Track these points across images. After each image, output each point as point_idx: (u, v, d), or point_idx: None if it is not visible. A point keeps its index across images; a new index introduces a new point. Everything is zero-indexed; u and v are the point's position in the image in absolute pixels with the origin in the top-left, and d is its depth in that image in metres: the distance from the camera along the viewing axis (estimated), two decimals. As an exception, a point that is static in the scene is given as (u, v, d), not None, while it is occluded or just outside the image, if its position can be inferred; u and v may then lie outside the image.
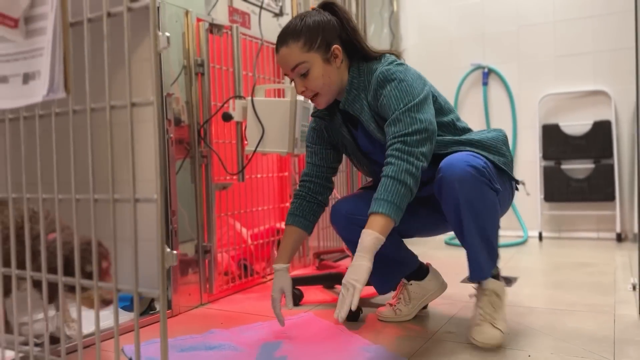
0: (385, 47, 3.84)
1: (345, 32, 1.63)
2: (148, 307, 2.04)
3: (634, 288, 2.17)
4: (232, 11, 2.33)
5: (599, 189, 3.47)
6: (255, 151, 2.10)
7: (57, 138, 0.98)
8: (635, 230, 3.16)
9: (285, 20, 2.64)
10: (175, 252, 0.85)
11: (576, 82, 3.60)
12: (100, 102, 0.89)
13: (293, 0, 2.69)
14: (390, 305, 1.86)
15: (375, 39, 3.90)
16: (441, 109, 1.64)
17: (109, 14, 0.87)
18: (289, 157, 2.68)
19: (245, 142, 2.18)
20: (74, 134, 0.95)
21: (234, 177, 2.26)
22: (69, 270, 1.09)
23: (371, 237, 1.39)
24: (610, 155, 3.47)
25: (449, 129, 1.65)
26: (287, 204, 2.73)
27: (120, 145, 1.08)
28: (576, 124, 3.59)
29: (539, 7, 3.69)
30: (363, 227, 1.44)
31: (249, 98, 2.10)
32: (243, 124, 2.19)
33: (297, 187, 1.82)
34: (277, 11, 2.58)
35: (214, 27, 2.17)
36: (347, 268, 1.43)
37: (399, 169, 1.43)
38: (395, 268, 1.80)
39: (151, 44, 0.80)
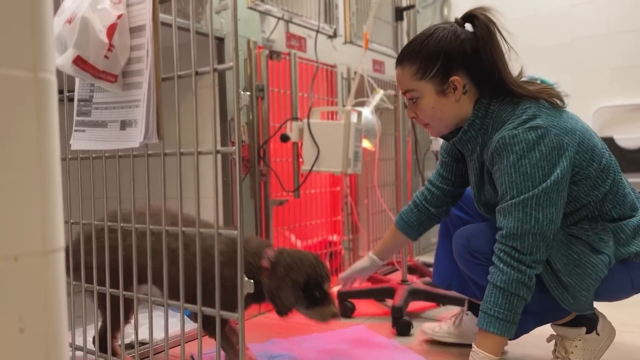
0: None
1: (479, 57, 1.37)
2: (211, 315, 2.20)
3: (689, 309, 2.14)
4: (290, 37, 2.46)
5: (655, 203, 3.40)
6: (310, 170, 2.23)
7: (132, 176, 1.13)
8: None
9: (338, 42, 2.76)
10: (252, 280, 0.97)
11: (632, 94, 3.55)
12: (189, 148, 1.03)
13: (346, 21, 2.80)
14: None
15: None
16: (589, 179, 1.33)
17: (197, 73, 1.01)
18: (342, 175, 2.79)
19: (301, 161, 2.31)
20: (158, 172, 1.09)
21: (290, 193, 2.39)
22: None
23: (480, 358, 1.31)
24: (669, 168, 3.40)
25: (584, 210, 1.38)
26: (339, 217, 2.85)
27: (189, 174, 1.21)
28: (631, 137, 3.53)
29: (594, 18, 3.65)
30: (483, 263, 1.38)
31: (305, 120, 2.22)
32: (299, 144, 2.32)
33: (418, 191, 1.73)
34: (330, 33, 2.70)
35: (273, 54, 2.30)
36: (397, 283, 1.53)
37: (509, 279, 1.28)
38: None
39: (235, 104, 0.92)
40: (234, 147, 0.96)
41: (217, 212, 1.00)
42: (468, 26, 1.43)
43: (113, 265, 1.22)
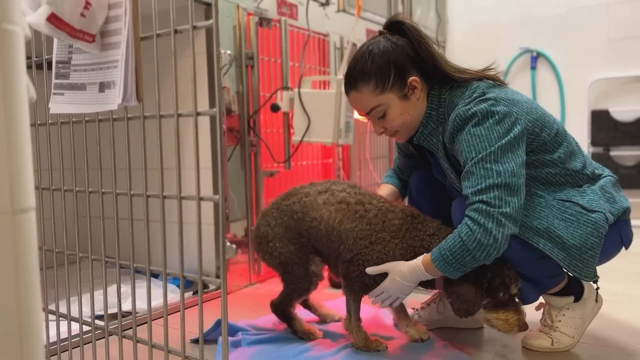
0: (431, 31, 3.83)
1: (418, 55, 1.43)
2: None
3: (679, 280, 2.15)
4: (281, 3, 2.40)
5: (649, 176, 3.40)
6: (301, 141, 2.19)
7: (112, 141, 1.09)
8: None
9: (331, 10, 2.70)
10: (234, 246, 0.95)
11: (628, 66, 3.50)
12: (169, 111, 1.00)
13: (339, -11, 2.73)
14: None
15: (421, 23, 3.88)
16: (545, 145, 1.40)
17: (176, 31, 0.97)
18: (334, 146, 2.76)
19: (292, 132, 2.28)
20: (137, 136, 1.06)
21: (281, 164, 2.36)
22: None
23: (414, 267, 1.38)
24: (662, 142, 3.38)
25: (553, 167, 1.42)
26: (332, 189, 2.83)
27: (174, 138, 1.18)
28: (627, 109, 3.50)
29: (592, -12, 3.59)
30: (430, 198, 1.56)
31: (296, 90, 2.18)
32: (290, 114, 2.28)
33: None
34: (323, 1, 2.64)
35: (263, 21, 2.25)
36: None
37: (473, 238, 1.27)
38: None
39: (215, 63, 0.89)
40: (215, 109, 0.93)
41: (197, 177, 0.97)
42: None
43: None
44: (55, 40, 1.16)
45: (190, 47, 0.95)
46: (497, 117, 1.32)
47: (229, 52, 0.72)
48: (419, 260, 1.38)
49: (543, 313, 1.57)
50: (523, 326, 1.39)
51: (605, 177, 1.49)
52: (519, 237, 1.35)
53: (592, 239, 1.35)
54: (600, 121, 3.55)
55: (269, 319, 1.83)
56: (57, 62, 1.17)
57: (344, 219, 1.51)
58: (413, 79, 1.42)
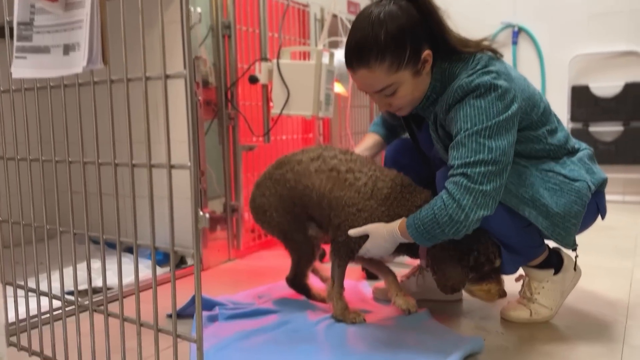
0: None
1: (429, 27, 1.33)
2: (180, 261, 2.16)
3: (654, 253, 2.18)
4: (258, -28, 2.33)
5: (626, 152, 3.42)
6: (280, 114, 2.15)
7: (80, 107, 1.04)
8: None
9: (311, -21, 2.63)
10: (207, 215, 0.92)
11: (609, 42, 3.50)
12: (137, 74, 0.95)
13: (319, -42, 2.66)
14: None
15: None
16: (532, 123, 1.38)
17: (143, -11, 0.91)
18: (314, 119, 2.71)
19: (271, 105, 2.22)
20: (104, 102, 1.01)
21: (260, 138, 2.31)
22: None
23: (392, 230, 1.38)
24: (640, 117, 3.40)
25: (537, 143, 1.40)
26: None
27: (151, 109, 1.13)
28: (607, 85, 3.51)
29: (574, -38, 3.56)
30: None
31: (275, 61, 2.13)
32: (269, 87, 2.23)
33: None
34: (303, -30, 2.56)
35: (240, -11, 2.18)
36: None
37: (445, 212, 1.24)
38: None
39: (183, 22, 0.84)
40: (185, 71, 0.88)
41: (167, 142, 0.93)
42: None
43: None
44: (16, 0, 1.09)
45: (171, 20, 0.89)
46: (499, 91, 1.26)
47: (199, 9, 0.68)
48: (396, 224, 1.38)
49: (522, 285, 1.57)
50: (502, 294, 1.43)
51: (582, 150, 1.50)
52: (504, 205, 1.34)
53: (576, 207, 1.36)
54: (580, 97, 3.56)
55: (249, 294, 1.81)
56: (19, 24, 1.10)
57: (334, 187, 1.50)
58: (427, 53, 1.32)
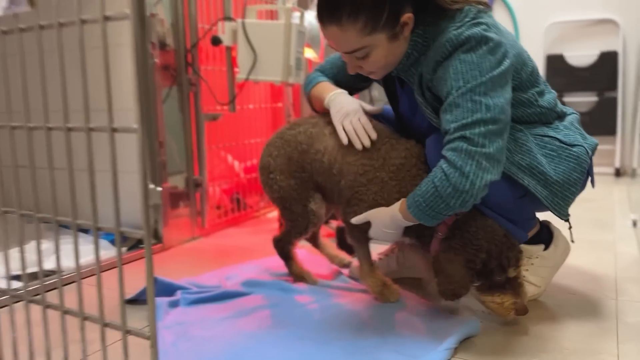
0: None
1: None
2: (138, 241, 1.99)
3: (634, 224, 2.13)
4: None
5: (600, 122, 3.39)
6: (246, 79, 1.97)
7: (15, 60, 0.86)
8: (635, 165, 3.12)
9: None
10: (159, 188, 0.76)
11: (584, 9, 3.42)
12: (70, 17, 0.77)
13: None
14: None
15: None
16: (522, 83, 1.26)
17: None
18: (283, 86, 2.54)
19: (236, 70, 2.04)
20: (39, 55, 0.83)
21: (225, 107, 2.14)
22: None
23: (393, 213, 1.25)
24: (615, 87, 3.35)
25: (529, 106, 1.29)
26: (281, 136, 2.63)
27: (96, 68, 0.96)
28: (582, 54, 3.44)
29: None
30: None
31: (240, 20, 1.94)
32: (233, 49, 2.04)
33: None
34: None
35: (200, -60, 1.97)
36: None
37: (447, 183, 1.11)
38: None
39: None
40: (129, 11, 0.71)
41: (109, 98, 0.76)
42: None
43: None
44: None
45: None
46: (491, 44, 1.13)
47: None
48: (397, 206, 1.24)
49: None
50: (521, 310, 1.21)
51: (570, 114, 1.40)
52: (502, 173, 1.23)
53: (575, 174, 1.26)
54: (555, 66, 3.49)
55: (215, 275, 1.66)
56: None
57: (347, 151, 1.35)
58: (408, 16, 1.18)
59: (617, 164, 3.37)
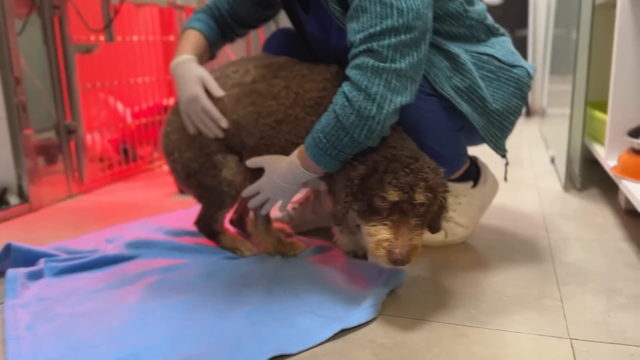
0: None
1: None
2: (0, 202, 1.62)
3: (552, 161, 2.08)
4: None
5: (511, 62, 3.35)
6: (123, 0, 1.62)
7: None
8: (545, 104, 3.11)
9: None
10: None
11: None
12: None
13: None
14: None
15: None
16: None
17: None
18: (173, 12, 2.18)
19: (111, -11, 1.68)
20: None
21: (101, 37, 1.77)
22: None
23: (291, 162, 1.03)
24: (525, 25, 3.30)
25: (457, 19, 1.09)
26: (176, 76, 2.29)
27: None
28: (494, -9, 3.36)
29: None
30: None
31: None
32: (106, -36, 1.67)
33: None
34: None
35: None
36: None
37: (350, 109, 0.92)
38: None
39: None
40: None
41: None
42: None
43: None
44: None
45: None
46: None
47: None
48: (295, 153, 1.02)
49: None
50: (398, 256, 0.87)
51: (503, 34, 1.22)
52: (441, 100, 1.05)
53: (515, 100, 1.10)
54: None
55: (92, 238, 1.37)
56: None
57: (236, 105, 1.13)
58: None
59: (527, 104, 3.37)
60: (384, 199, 0.90)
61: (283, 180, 1.05)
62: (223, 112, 1.15)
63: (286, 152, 1.07)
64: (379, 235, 0.90)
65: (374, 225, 0.91)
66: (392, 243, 0.88)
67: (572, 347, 0.83)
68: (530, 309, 0.95)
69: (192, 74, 1.15)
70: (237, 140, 1.17)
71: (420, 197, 0.90)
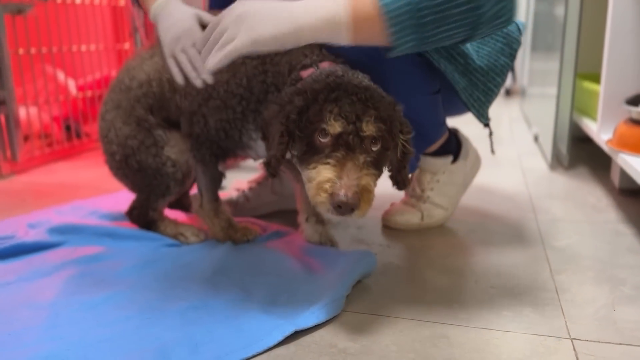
0: None
1: None
2: None
3: (536, 139, 1.94)
4: None
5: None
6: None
7: None
8: (525, 84, 2.98)
9: None
10: None
11: None
12: None
13: None
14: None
15: None
16: None
17: None
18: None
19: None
20: None
21: (34, -5, 1.55)
22: None
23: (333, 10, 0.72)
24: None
25: None
26: (126, 45, 2.07)
27: None
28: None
29: None
30: None
31: None
32: None
33: None
34: None
35: None
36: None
37: None
38: None
39: None
40: None
41: None
42: None
43: None
44: None
45: None
46: None
47: None
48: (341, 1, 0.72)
49: (410, 179, 1.15)
50: (342, 198, 0.69)
51: None
52: (415, 59, 0.88)
53: (503, 59, 0.96)
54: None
55: (13, 222, 1.18)
56: None
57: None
58: None
59: (507, 84, 3.24)
60: (325, 133, 0.72)
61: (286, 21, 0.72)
62: (156, 75, 1.00)
63: (227, 104, 0.90)
64: (319, 176, 0.72)
65: (315, 168, 0.73)
66: (335, 184, 0.70)
67: (574, 349, 0.68)
68: (522, 303, 0.80)
69: (186, 10, 0.91)
70: (174, 106, 0.99)
71: (369, 127, 0.72)
